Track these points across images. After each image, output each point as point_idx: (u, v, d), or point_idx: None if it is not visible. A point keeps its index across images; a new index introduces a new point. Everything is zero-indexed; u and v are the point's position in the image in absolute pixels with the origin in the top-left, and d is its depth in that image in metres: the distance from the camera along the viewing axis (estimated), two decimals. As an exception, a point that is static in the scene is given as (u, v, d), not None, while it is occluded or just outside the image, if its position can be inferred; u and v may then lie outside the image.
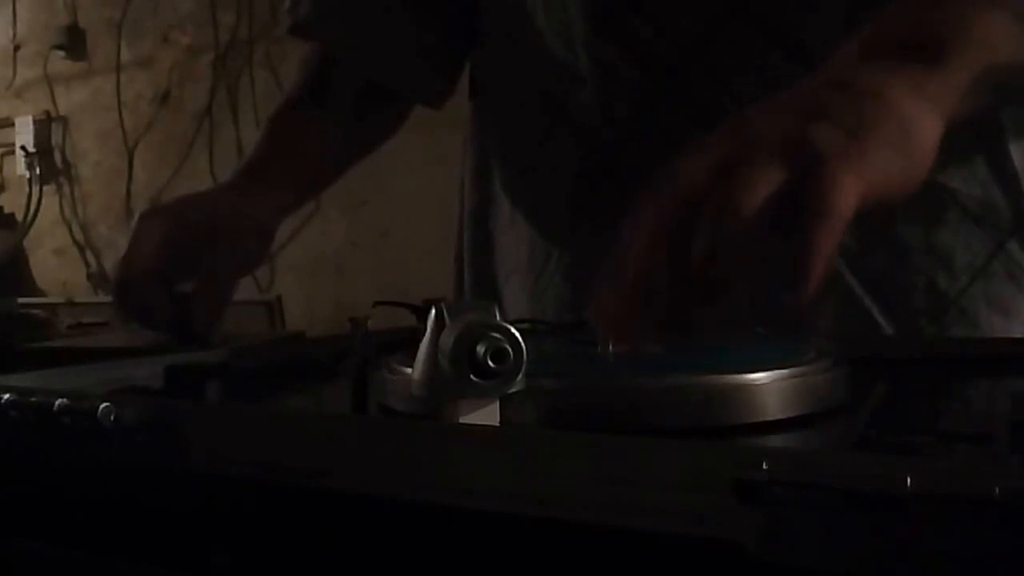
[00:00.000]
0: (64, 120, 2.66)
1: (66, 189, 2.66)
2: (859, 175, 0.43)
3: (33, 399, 0.37)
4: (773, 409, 0.40)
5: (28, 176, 2.66)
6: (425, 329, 0.37)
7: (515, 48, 0.81)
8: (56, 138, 2.67)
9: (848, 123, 0.45)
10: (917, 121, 0.47)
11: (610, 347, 0.45)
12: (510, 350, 0.35)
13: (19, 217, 2.67)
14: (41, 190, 2.67)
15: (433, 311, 0.37)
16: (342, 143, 0.88)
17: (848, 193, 0.42)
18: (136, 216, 0.77)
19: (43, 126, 2.66)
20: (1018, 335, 0.70)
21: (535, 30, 0.78)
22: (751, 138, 0.45)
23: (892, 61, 0.49)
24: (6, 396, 0.38)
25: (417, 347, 0.37)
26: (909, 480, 0.23)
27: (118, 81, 2.53)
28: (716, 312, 0.43)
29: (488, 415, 0.36)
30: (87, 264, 2.61)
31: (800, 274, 0.41)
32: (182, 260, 0.75)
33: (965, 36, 0.51)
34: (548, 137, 0.80)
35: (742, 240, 0.42)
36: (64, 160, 2.67)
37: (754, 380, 0.40)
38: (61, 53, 2.62)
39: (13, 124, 2.69)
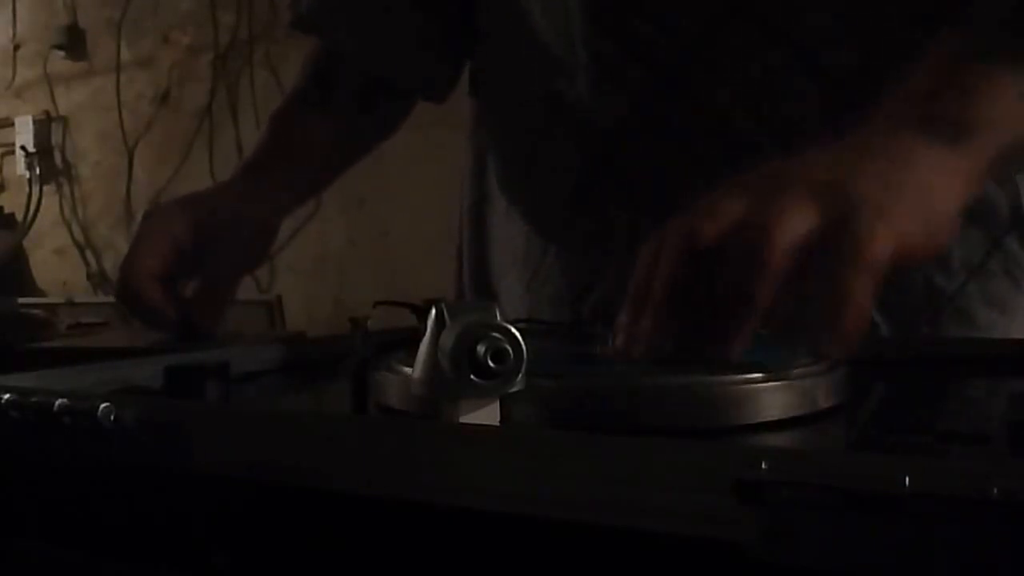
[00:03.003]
0: (64, 120, 2.66)
1: (66, 189, 2.66)
2: (891, 230, 0.44)
3: (33, 399, 0.37)
4: (773, 409, 0.40)
5: (28, 176, 2.66)
6: (425, 329, 0.37)
7: (514, 45, 0.81)
8: (56, 138, 2.67)
9: (881, 179, 0.46)
10: (941, 191, 0.49)
11: (622, 357, 0.44)
12: (510, 350, 0.35)
13: (19, 217, 2.67)
14: (41, 190, 2.66)
15: (433, 311, 0.37)
16: (344, 140, 0.88)
17: (883, 244, 0.43)
18: (139, 216, 0.77)
19: (43, 126, 2.66)
20: (1016, 333, 0.70)
21: (534, 27, 0.78)
22: (789, 177, 0.46)
23: (919, 133, 0.51)
24: (6, 396, 0.38)
25: (417, 347, 0.38)
26: (908, 480, 0.23)
27: (118, 81, 2.53)
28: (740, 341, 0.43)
29: (488, 415, 0.36)
30: (87, 264, 2.61)
31: (837, 324, 0.42)
32: (184, 260, 0.75)
33: (988, 118, 0.52)
34: (547, 134, 0.80)
35: (774, 269, 0.42)
36: (64, 160, 2.67)
37: (754, 380, 0.40)
38: (61, 53, 2.62)
39: (13, 124, 2.69)
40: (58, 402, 0.36)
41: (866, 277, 0.42)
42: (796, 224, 0.43)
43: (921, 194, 0.48)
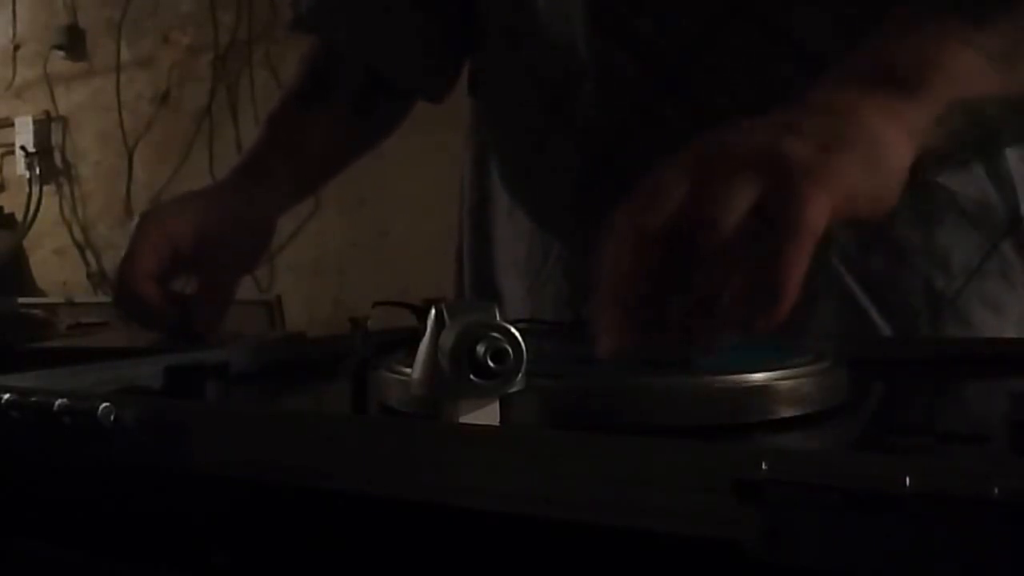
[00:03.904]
0: (64, 120, 2.66)
1: (66, 189, 2.66)
2: (828, 190, 0.43)
3: (33, 399, 0.37)
4: (773, 409, 0.40)
5: (28, 176, 2.66)
6: (425, 329, 0.37)
7: (515, 45, 0.81)
8: (56, 138, 2.67)
9: (819, 138, 0.45)
10: (889, 142, 0.48)
11: (603, 355, 0.44)
12: (510, 350, 0.35)
13: (19, 217, 2.67)
14: (41, 190, 2.66)
15: (433, 311, 0.37)
16: (342, 139, 0.88)
17: (817, 210, 0.43)
18: (135, 217, 0.77)
19: (43, 126, 2.66)
20: (1010, 333, 0.70)
21: (535, 27, 0.78)
22: (725, 152, 0.45)
23: (865, 87, 0.50)
24: (6, 396, 0.38)
25: (417, 347, 0.38)
26: (908, 480, 0.23)
27: (118, 81, 2.53)
28: (698, 322, 0.43)
29: (488, 415, 0.36)
30: (87, 264, 2.61)
31: (774, 293, 0.41)
32: (182, 261, 0.75)
33: (935, 70, 0.52)
34: (548, 135, 0.80)
35: (719, 253, 0.42)
36: (64, 160, 2.67)
37: (754, 380, 0.40)
38: (61, 53, 2.62)
39: (13, 124, 2.69)
40: (58, 402, 0.36)
41: (801, 244, 0.42)
42: (736, 201, 0.42)
43: (866, 148, 0.47)
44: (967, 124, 0.54)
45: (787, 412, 0.40)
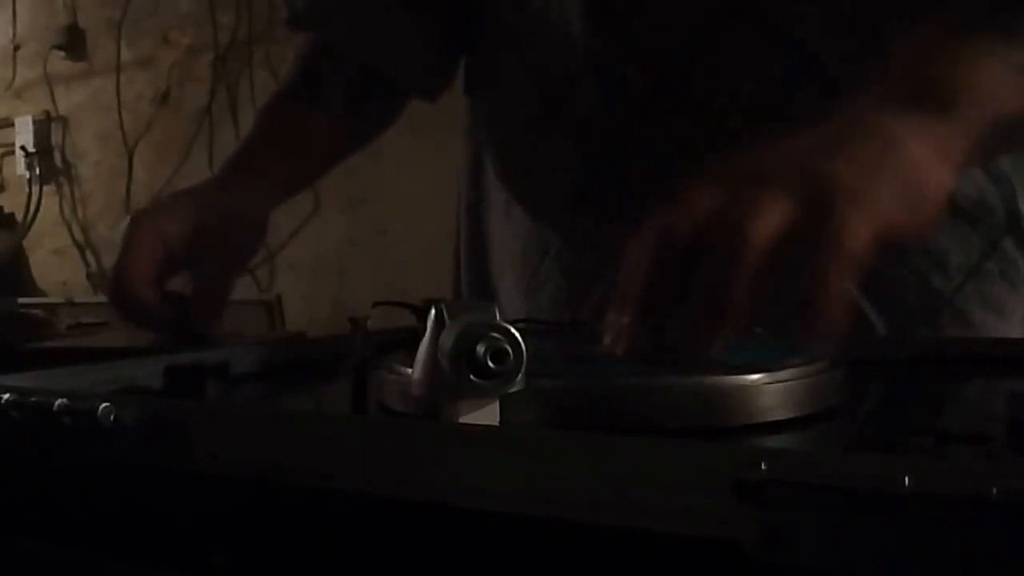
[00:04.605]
0: (64, 120, 2.66)
1: (66, 189, 2.65)
2: (870, 214, 0.43)
3: (33, 399, 0.37)
4: (772, 410, 0.40)
5: (28, 176, 2.66)
6: (425, 329, 0.37)
7: (513, 44, 0.81)
8: (56, 138, 2.67)
9: (859, 161, 0.45)
10: (927, 166, 0.47)
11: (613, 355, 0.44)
12: (510, 350, 0.35)
13: (19, 217, 2.67)
14: (41, 190, 2.66)
15: (433, 311, 0.37)
16: (335, 136, 0.88)
17: (861, 235, 0.42)
18: (127, 218, 0.77)
19: (43, 126, 2.66)
20: (1011, 334, 0.70)
21: (534, 26, 0.78)
22: (763, 168, 0.45)
23: (903, 108, 0.49)
24: (6, 396, 0.38)
25: (417, 347, 0.38)
26: (908, 480, 0.23)
27: (118, 81, 2.52)
28: (705, 323, 0.43)
29: (488, 415, 0.36)
30: (87, 264, 2.61)
31: (817, 318, 0.41)
32: (176, 259, 0.75)
33: (974, 89, 0.51)
34: (547, 134, 0.80)
35: (750, 266, 0.41)
36: (64, 160, 2.67)
37: (753, 381, 0.40)
38: (61, 53, 2.62)
39: (13, 124, 2.69)
40: (58, 402, 0.36)
41: (844, 267, 0.42)
42: (771, 217, 0.42)
43: (904, 172, 0.46)
44: (1003, 143, 0.53)
45: (787, 413, 0.40)
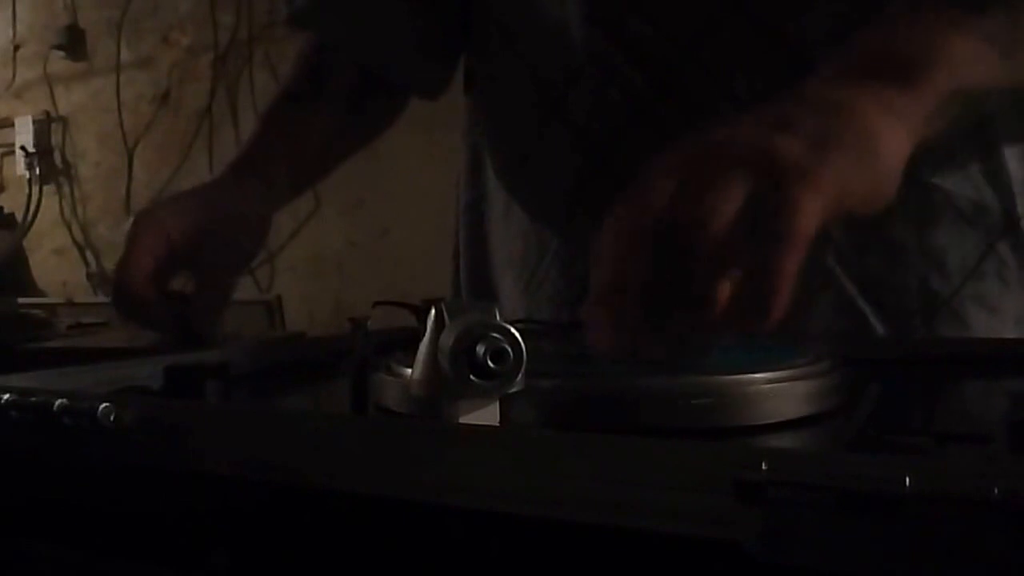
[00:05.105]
0: (64, 120, 2.66)
1: (66, 189, 2.66)
2: (821, 191, 0.43)
3: (33, 399, 0.37)
4: (772, 410, 0.40)
5: (28, 176, 2.66)
6: (425, 329, 0.37)
7: (512, 43, 0.81)
8: (56, 138, 2.67)
9: (812, 134, 0.45)
10: (884, 136, 0.47)
11: (597, 351, 0.44)
12: (510, 350, 0.35)
13: (19, 217, 2.67)
14: (41, 190, 2.66)
15: (433, 311, 0.37)
16: (336, 135, 0.88)
17: (810, 215, 0.42)
18: (130, 219, 0.77)
19: (43, 126, 2.66)
20: (1005, 334, 0.70)
21: (532, 25, 0.78)
22: (715, 150, 0.45)
23: (861, 79, 0.49)
24: (6, 396, 0.38)
25: (417, 347, 0.38)
26: (908, 480, 0.23)
27: (118, 81, 2.53)
28: (691, 320, 0.43)
29: (488, 415, 0.36)
30: (87, 264, 2.61)
31: (766, 299, 0.41)
32: (179, 260, 0.75)
33: (934, 58, 0.51)
34: (544, 133, 0.80)
35: (712, 251, 0.42)
36: (64, 160, 2.67)
37: (753, 381, 0.40)
38: (61, 53, 2.62)
39: (13, 124, 2.69)
40: (58, 402, 0.36)
41: (791, 254, 0.41)
42: (725, 201, 0.42)
43: (861, 144, 0.46)
44: (967, 115, 0.53)
45: (786, 412, 0.40)
